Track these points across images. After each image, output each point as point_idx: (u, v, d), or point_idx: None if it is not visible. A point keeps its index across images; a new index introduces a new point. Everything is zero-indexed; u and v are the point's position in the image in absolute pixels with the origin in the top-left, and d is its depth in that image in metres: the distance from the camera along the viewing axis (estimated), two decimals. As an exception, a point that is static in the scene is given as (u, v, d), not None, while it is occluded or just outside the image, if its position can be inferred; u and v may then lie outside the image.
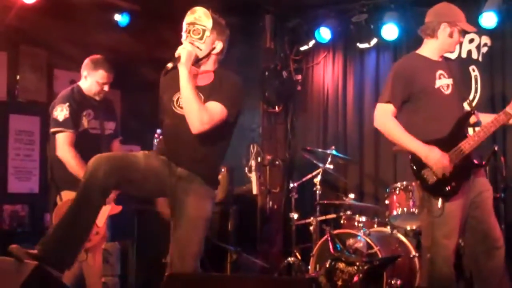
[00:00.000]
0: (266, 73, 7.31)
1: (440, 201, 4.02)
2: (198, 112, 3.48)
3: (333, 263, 5.12)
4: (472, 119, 4.15)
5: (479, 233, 4.14)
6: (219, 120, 3.56)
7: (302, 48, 7.51)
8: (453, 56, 5.83)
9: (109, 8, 6.79)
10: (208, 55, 3.70)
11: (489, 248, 4.12)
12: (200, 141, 3.61)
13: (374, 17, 6.86)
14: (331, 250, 5.19)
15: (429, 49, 4.25)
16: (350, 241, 5.27)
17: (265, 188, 7.08)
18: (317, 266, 5.43)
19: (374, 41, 6.96)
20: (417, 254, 5.30)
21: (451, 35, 4.16)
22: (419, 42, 6.66)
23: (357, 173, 7.14)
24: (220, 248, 5.84)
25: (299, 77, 7.70)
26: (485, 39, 6.44)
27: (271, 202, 7.11)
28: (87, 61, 4.74)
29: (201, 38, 3.63)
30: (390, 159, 6.85)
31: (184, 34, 3.69)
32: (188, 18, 3.67)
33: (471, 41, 6.49)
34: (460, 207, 4.04)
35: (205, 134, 3.55)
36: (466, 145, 4.01)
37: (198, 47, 3.63)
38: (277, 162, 7.31)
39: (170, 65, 3.63)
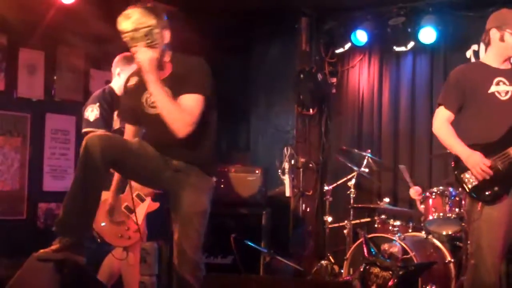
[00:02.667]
0: (301, 76, 7.28)
1: (479, 205, 4.00)
2: (179, 117, 3.41)
3: (367, 267, 5.10)
4: None
5: None
6: (200, 111, 3.47)
7: (337, 51, 7.47)
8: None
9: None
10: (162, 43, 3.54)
11: None
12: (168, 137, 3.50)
13: (411, 20, 6.80)
14: (365, 254, 5.16)
15: (488, 56, 4.28)
16: (385, 245, 5.24)
17: (298, 190, 7.07)
18: (351, 270, 5.40)
19: (411, 44, 6.90)
20: (452, 260, 5.25)
21: (502, 39, 4.15)
22: (456, 46, 6.73)
23: (391, 177, 7.08)
24: (253, 250, 5.83)
25: (334, 80, 7.67)
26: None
27: (304, 205, 7.10)
28: (118, 58, 4.75)
29: (153, 40, 3.47)
30: (425, 163, 6.79)
31: (129, 43, 3.48)
32: (125, 25, 3.45)
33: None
34: (504, 215, 3.99)
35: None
36: None
37: (155, 52, 3.46)
38: (310, 165, 7.29)
39: (133, 80, 3.66)
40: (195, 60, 3.64)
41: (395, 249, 5.17)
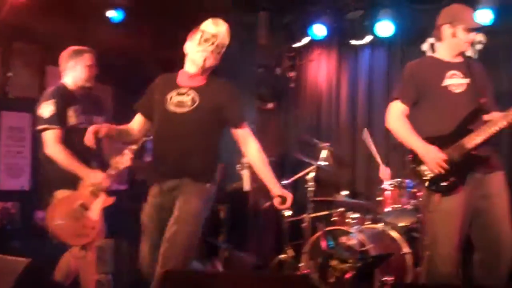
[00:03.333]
0: (260, 70, 7.28)
1: (436, 197, 4.05)
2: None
3: (325, 260, 5.11)
4: (487, 118, 4.15)
5: (485, 240, 4.14)
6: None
7: (296, 45, 7.48)
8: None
9: (103, 4, 6.75)
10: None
11: (495, 257, 4.11)
12: (192, 142, 3.96)
13: (369, 14, 6.84)
14: (324, 247, 5.18)
15: (441, 51, 4.36)
16: (343, 238, 5.26)
17: (257, 185, 7.05)
18: (310, 263, 5.41)
19: (368, 38, 6.94)
20: (409, 251, 5.29)
21: (454, 35, 4.21)
22: (413, 40, 6.79)
23: (350, 170, 7.13)
24: (211, 245, 5.81)
25: (293, 73, 7.68)
26: (480, 36, 6.43)
27: (262, 200, 7.08)
28: (67, 53, 4.74)
29: (219, 54, 4.05)
30: (382, 156, 6.83)
31: (201, 40, 3.99)
32: (211, 28, 4.00)
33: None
34: (460, 205, 4.04)
35: (192, 131, 3.95)
36: (468, 141, 4.03)
37: (214, 59, 4.03)
38: (270, 159, 7.27)
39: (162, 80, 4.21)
40: (232, 88, 4.19)
41: (353, 241, 5.19)
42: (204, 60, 3.98)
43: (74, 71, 4.70)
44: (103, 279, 4.67)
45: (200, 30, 3.99)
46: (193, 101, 3.99)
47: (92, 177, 4.53)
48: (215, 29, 3.98)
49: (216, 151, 4.15)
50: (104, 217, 4.65)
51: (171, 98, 4.01)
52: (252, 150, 4.22)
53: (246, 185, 6.74)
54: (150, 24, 6.79)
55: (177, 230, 3.85)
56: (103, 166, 4.65)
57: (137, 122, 4.26)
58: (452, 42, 4.25)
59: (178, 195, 3.96)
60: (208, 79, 4.09)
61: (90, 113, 4.75)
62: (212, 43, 3.96)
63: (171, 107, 4.00)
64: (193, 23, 7.11)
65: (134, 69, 6.55)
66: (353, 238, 5.20)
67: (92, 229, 4.50)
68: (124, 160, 4.53)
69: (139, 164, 5.90)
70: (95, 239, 4.61)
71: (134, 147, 4.63)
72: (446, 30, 4.24)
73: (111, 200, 4.61)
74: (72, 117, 4.61)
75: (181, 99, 4.01)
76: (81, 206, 4.47)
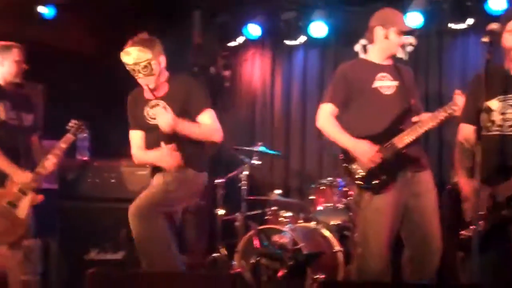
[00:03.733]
0: (195, 69, 7.26)
1: (367, 195, 4.11)
2: (212, 133, 4.35)
3: (258, 258, 5.13)
4: (415, 119, 4.23)
5: (415, 237, 4.21)
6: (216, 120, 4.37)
7: (230, 44, 7.47)
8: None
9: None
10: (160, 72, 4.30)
11: (424, 254, 4.19)
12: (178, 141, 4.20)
13: (303, 15, 6.89)
14: (257, 245, 5.20)
15: (372, 53, 4.42)
16: (276, 237, 5.28)
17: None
18: (242, 261, 5.42)
19: (302, 38, 6.99)
20: (340, 249, 5.35)
21: (386, 37, 4.28)
22: (347, 41, 6.88)
23: (283, 169, 7.19)
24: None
25: (228, 73, 7.68)
26: (410, 39, 6.56)
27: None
28: None
29: (151, 71, 4.23)
30: (316, 155, 6.91)
31: (132, 72, 4.27)
32: (127, 59, 4.24)
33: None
34: (392, 203, 4.11)
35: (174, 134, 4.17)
36: (399, 140, 4.10)
37: (153, 78, 4.26)
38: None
39: (135, 95, 4.47)
40: (189, 79, 4.53)
41: (285, 240, 5.22)
42: (147, 84, 4.26)
43: (2, 67, 4.60)
44: (31, 279, 4.57)
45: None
46: (165, 109, 4.22)
47: (20, 175, 4.44)
48: (129, 59, 4.22)
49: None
50: (32, 216, 4.56)
51: (147, 113, 4.30)
52: None
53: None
54: (84, 21, 6.67)
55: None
56: (33, 164, 4.56)
57: (141, 139, 4.46)
58: (383, 44, 4.32)
59: None
60: (168, 82, 4.38)
61: (20, 109, 4.65)
62: (139, 71, 4.23)
63: (151, 121, 4.26)
64: (129, 21, 7.11)
65: (66, 67, 6.42)
66: (286, 236, 5.23)
67: (20, 227, 4.43)
68: (47, 164, 4.52)
69: (71, 163, 5.80)
70: (23, 238, 4.52)
71: (61, 148, 4.58)
72: (378, 32, 4.31)
73: (39, 198, 4.52)
74: (1, 113, 4.50)
75: (154, 111, 4.25)
76: (9, 204, 4.39)
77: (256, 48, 7.55)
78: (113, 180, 6.08)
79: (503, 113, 3.49)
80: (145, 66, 4.21)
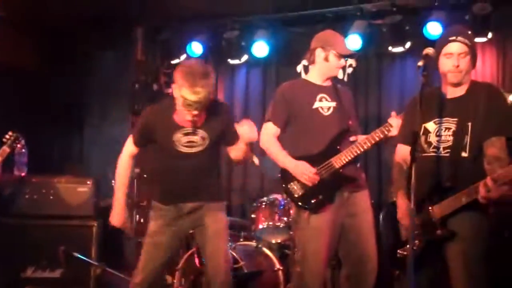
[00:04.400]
0: (136, 86, 7.22)
1: (306, 214, 4.16)
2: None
3: (198, 277, 5.11)
4: (353, 139, 4.31)
5: (352, 256, 4.28)
6: None
7: (173, 62, 7.45)
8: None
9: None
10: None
11: (361, 273, 4.27)
12: (201, 171, 4.10)
13: (245, 34, 6.94)
14: (197, 264, 5.18)
15: (312, 74, 4.50)
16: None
17: (132, 201, 6.95)
18: (182, 280, 5.40)
19: (244, 57, 7.04)
20: (280, 268, 5.38)
21: (326, 59, 4.36)
22: (288, 60, 6.95)
23: (225, 187, 7.16)
24: (83, 262, 5.67)
25: (170, 90, 7.60)
26: (350, 61, 6.69)
27: (138, 216, 7.00)
28: None
29: (204, 106, 3.85)
30: (257, 173, 6.94)
31: (184, 104, 3.83)
32: (192, 97, 3.76)
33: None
34: (329, 222, 4.17)
35: (205, 164, 4.09)
36: (336, 160, 4.18)
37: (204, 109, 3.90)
38: (145, 175, 7.21)
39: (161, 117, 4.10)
40: (227, 108, 4.33)
41: None
42: (193, 116, 3.89)
43: None
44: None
45: (181, 96, 3.85)
46: (202, 139, 4.06)
47: None
48: (195, 97, 3.78)
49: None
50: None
51: (178, 140, 4.03)
52: None
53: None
54: (24, 35, 6.58)
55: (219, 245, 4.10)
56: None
57: (132, 152, 4.34)
58: (323, 66, 4.39)
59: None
60: (207, 111, 3.99)
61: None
62: (196, 108, 3.83)
63: (183, 149, 4.06)
64: (70, 36, 7.04)
65: (6, 81, 6.32)
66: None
67: None
68: None
69: (8, 178, 5.69)
70: None
71: None
72: (319, 54, 4.39)
73: None
74: None
75: (190, 139, 4.05)
76: None
77: (199, 66, 7.53)
78: (51, 197, 5.99)
79: (439, 135, 3.59)
80: (203, 105, 3.85)
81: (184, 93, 3.78)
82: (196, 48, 7.11)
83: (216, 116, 4.05)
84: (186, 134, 4.02)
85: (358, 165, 4.46)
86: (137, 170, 6.93)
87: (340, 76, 6.71)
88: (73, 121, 7.53)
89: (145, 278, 4.11)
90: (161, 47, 7.54)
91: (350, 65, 6.72)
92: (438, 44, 3.65)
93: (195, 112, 3.85)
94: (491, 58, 6.16)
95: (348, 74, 6.72)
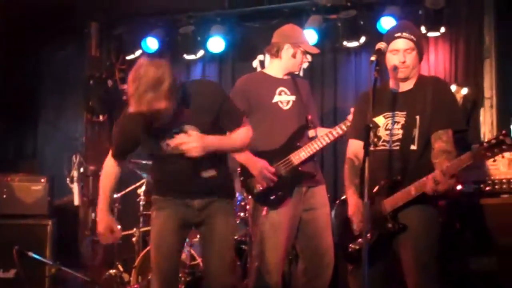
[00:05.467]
0: (91, 82, 7.14)
1: (265, 209, 4.16)
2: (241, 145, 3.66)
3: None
4: (311, 133, 4.32)
5: (309, 250, 4.31)
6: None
7: (128, 57, 7.37)
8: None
9: None
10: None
11: (318, 266, 4.29)
12: (205, 167, 3.57)
13: (201, 29, 6.91)
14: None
15: (273, 68, 4.48)
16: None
17: (87, 199, 6.89)
18: (139, 277, 5.36)
19: (200, 53, 7.00)
20: (238, 263, 5.37)
21: (294, 56, 4.37)
22: (244, 56, 6.94)
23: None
24: (38, 262, 5.59)
25: (125, 86, 7.53)
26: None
27: (93, 214, 6.92)
28: None
29: (167, 92, 3.26)
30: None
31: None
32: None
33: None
34: (288, 218, 4.19)
35: (207, 158, 3.46)
36: (295, 157, 4.19)
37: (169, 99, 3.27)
38: (100, 173, 7.14)
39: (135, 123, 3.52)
40: (205, 86, 3.66)
41: (183, 255, 5.19)
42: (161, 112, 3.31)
43: None
44: None
45: None
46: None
47: None
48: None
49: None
50: None
51: (166, 143, 3.53)
52: None
53: (76, 199, 6.59)
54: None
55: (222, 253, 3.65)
56: None
57: (116, 165, 3.85)
58: (289, 62, 4.40)
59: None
60: (188, 106, 3.48)
61: None
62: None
63: (175, 150, 3.48)
64: (24, 31, 6.92)
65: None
66: (184, 252, 5.21)
67: None
68: None
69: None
70: None
71: None
72: (287, 49, 4.38)
73: None
74: None
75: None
76: None
77: (154, 61, 7.48)
78: (4, 196, 5.91)
79: (389, 129, 3.62)
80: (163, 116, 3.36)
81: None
82: (151, 43, 7.05)
83: (198, 107, 3.50)
84: (175, 133, 3.52)
85: (316, 159, 4.48)
86: (92, 168, 6.88)
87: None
88: (28, 118, 7.42)
89: None
90: (115, 42, 7.44)
91: (307, 60, 6.73)
92: (384, 40, 3.66)
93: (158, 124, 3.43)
94: (444, 53, 6.23)
95: (304, 69, 6.73)
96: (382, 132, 3.64)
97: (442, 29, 6.00)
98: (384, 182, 3.52)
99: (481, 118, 5.98)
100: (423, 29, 5.98)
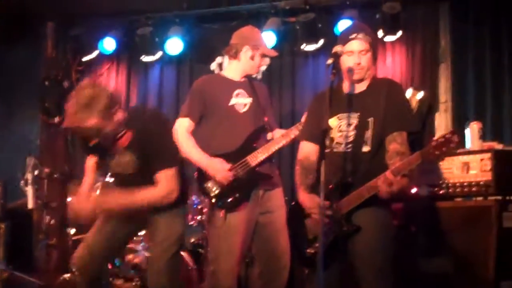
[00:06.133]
0: (46, 83, 7.03)
1: (222, 212, 4.13)
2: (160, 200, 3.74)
3: (111, 279, 5.03)
4: (269, 136, 4.31)
5: (265, 253, 4.29)
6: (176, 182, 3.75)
7: (85, 58, 7.30)
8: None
9: None
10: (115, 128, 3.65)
11: (274, 269, 4.27)
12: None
13: (159, 31, 6.87)
14: (109, 266, 5.09)
15: (231, 69, 4.46)
16: (129, 256, 5.20)
17: (42, 202, 6.76)
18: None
19: (158, 54, 6.96)
20: (194, 267, 5.35)
21: (252, 58, 4.35)
22: (202, 58, 6.92)
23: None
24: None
25: (83, 88, 7.47)
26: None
27: (48, 217, 6.81)
28: None
29: (98, 136, 3.62)
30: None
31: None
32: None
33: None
34: (244, 221, 4.16)
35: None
36: (252, 159, 4.17)
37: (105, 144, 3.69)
38: (55, 176, 7.02)
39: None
40: (151, 119, 3.83)
41: (139, 259, 5.15)
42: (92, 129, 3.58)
43: None
44: None
45: None
46: (131, 162, 3.77)
47: None
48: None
49: None
50: None
51: (109, 166, 3.87)
52: None
53: (30, 202, 6.46)
54: None
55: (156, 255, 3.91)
56: None
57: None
58: (247, 64, 4.38)
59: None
60: (129, 130, 3.72)
61: None
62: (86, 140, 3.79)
63: (118, 169, 3.83)
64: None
65: None
66: (139, 256, 5.16)
67: None
68: None
69: None
70: None
71: None
72: (246, 51, 4.36)
73: None
74: None
75: (117, 162, 3.81)
76: None
77: (111, 62, 7.43)
78: None
79: (342, 131, 3.61)
80: (91, 135, 3.65)
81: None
82: (108, 44, 7.00)
83: (139, 137, 3.73)
84: (119, 155, 3.79)
85: (273, 161, 4.47)
86: (47, 170, 6.76)
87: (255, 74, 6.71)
88: (-20, 120, 7.29)
89: None
90: (72, 43, 7.36)
91: (264, 63, 6.74)
92: (339, 42, 3.67)
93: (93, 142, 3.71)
94: (401, 56, 6.30)
95: (263, 72, 6.73)
96: (334, 134, 3.62)
97: (399, 33, 6.07)
98: (335, 184, 3.48)
99: (436, 122, 6.06)
100: (380, 33, 6.04)
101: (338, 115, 3.64)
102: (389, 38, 6.15)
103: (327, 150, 3.52)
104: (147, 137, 3.69)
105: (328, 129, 3.50)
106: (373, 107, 3.58)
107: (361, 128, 3.57)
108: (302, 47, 6.42)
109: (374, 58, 3.70)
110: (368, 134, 3.55)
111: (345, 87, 3.73)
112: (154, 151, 3.70)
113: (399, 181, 3.33)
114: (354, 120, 3.60)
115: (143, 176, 3.73)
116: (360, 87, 3.68)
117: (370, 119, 3.57)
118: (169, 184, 3.72)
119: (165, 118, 4.07)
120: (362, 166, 3.53)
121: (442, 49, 6.21)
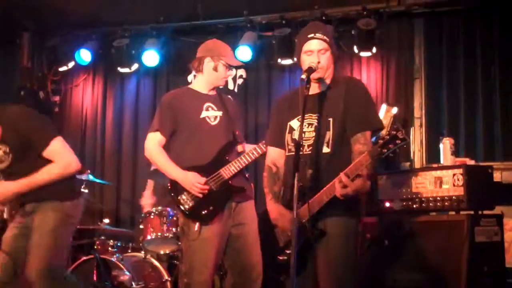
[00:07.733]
0: (22, 93, 6.99)
1: (197, 225, 4.13)
2: (59, 173, 4.07)
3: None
4: (240, 149, 4.32)
5: (238, 265, 4.29)
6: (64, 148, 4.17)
7: (61, 69, 7.28)
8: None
9: None
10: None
11: (247, 281, 4.27)
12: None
13: (135, 43, 6.88)
14: (94, 278, 5.08)
15: (198, 83, 4.47)
16: (115, 272, 5.18)
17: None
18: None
19: (135, 66, 6.96)
20: (169, 279, 5.34)
21: (215, 69, 4.35)
22: (179, 70, 6.94)
23: (114, 197, 7.07)
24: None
25: (57, 98, 7.46)
26: (241, 71, 6.77)
27: None
28: None
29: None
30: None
31: None
32: None
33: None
34: (218, 233, 4.16)
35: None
36: (225, 171, 4.18)
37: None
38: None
39: None
40: (13, 111, 4.12)
41: (125, 278, 5.12)
42: None
43: None
44: None
45: None
46: (5, 153, 4.09)
47: None
48: None
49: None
50: None
51: None
52: None
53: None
54: None
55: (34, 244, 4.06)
56: None
57: None
58: (211, 76, 4.38)
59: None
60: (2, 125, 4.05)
61: None
62: None
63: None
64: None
65: None
66: (126, 274, 5.13)
67: None
68: None
69: None
70: None
71: None
72: (207, 63, 4.38)
73: None
74: None
75: None
76: None
77: (87, 74, 7.42)
78: None
79: (302, 132, 3.49)
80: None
81: None
82: (84, 55, 6.99)
83: (12, 126, 4.03)
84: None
85: (247, 175, 4.49)
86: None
87: (231, 87, 6.76)
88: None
89: None
90: (48, 53, 7.34)
91: (241, 76, 6.78)
92: (298, 42, 3.65)
93: None
94: (376, 72, 6.37)
95: (239, 85, 6.77)
96: (296, 136, 3.54)
97: (374, 49, 6.14)
98: (297, 188, 3.26)
99: (411, 137, 6.12)
100: (355, 49, 6.11)
101: (298, 117, 3.52)
102: (364, 54, 6.22)
103: (289, 153, 3.53)
104: (15, 125, 4.00)
105: (287, 131, 3.51)
106: (333, 107, 3.53)
107: (321, 129, 3.52)
108: (278, 61, 6.46)
109: (334, 58, 3.64)
110: (329, 135, 3.51)
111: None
112: (27, 134, 4.00)
113: (354, 182, 3.32)
114: (314, 121, 3.55)
115: (22, 166, 4.05)
116: (320, 88, 3.63)
117: (330, 120, 3.52)
118: (61, 155, 4.11)
119: (27, 108, 4.26)
120: (322, 167, 3.48)
121: (417, 66, 6.29)
